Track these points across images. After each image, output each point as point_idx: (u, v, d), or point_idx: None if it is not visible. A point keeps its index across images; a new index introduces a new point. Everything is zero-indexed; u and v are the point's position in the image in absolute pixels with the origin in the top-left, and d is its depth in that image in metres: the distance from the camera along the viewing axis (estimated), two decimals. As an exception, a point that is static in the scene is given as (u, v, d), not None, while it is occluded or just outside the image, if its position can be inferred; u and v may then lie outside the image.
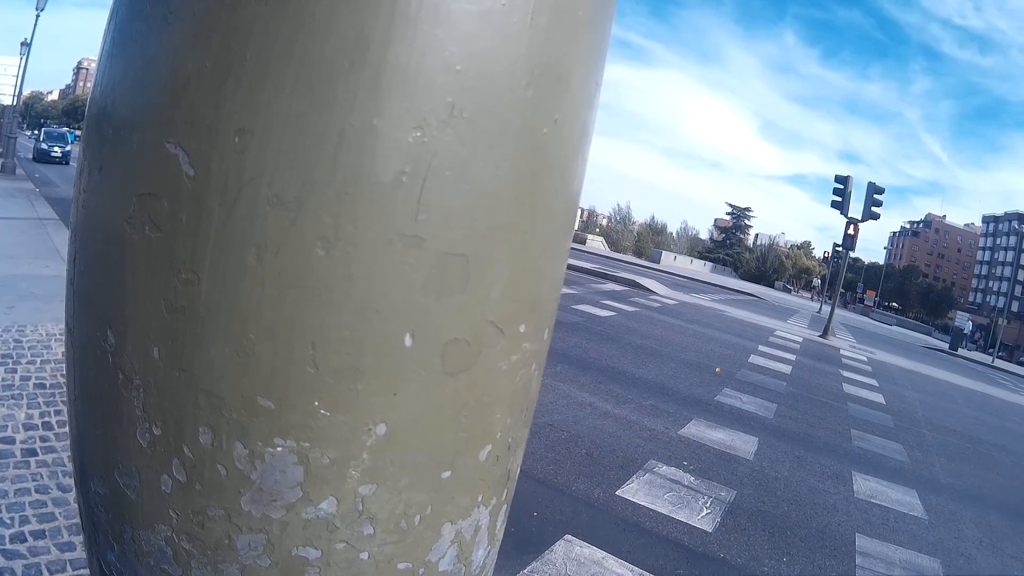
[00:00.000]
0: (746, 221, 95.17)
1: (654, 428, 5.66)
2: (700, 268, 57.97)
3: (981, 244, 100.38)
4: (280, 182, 0.52)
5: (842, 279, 22.98)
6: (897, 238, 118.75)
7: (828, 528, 4.38)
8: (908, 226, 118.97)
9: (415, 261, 0.55)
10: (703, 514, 4.07)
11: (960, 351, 34.03)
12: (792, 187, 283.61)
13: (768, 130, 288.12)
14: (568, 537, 3.36)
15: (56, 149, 29.52)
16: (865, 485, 5.52)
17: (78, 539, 2.30)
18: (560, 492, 3.94)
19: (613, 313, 12.24)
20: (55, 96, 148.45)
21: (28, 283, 5.57)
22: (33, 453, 2.83)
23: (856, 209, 19.42)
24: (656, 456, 4.94)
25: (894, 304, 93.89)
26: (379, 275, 0.54)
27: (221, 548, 0.58)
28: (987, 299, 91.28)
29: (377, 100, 0.52)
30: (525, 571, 2.98)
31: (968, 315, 41.79)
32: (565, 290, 13.20)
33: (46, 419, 3.17)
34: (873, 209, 18.88)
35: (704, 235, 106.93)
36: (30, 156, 29.13)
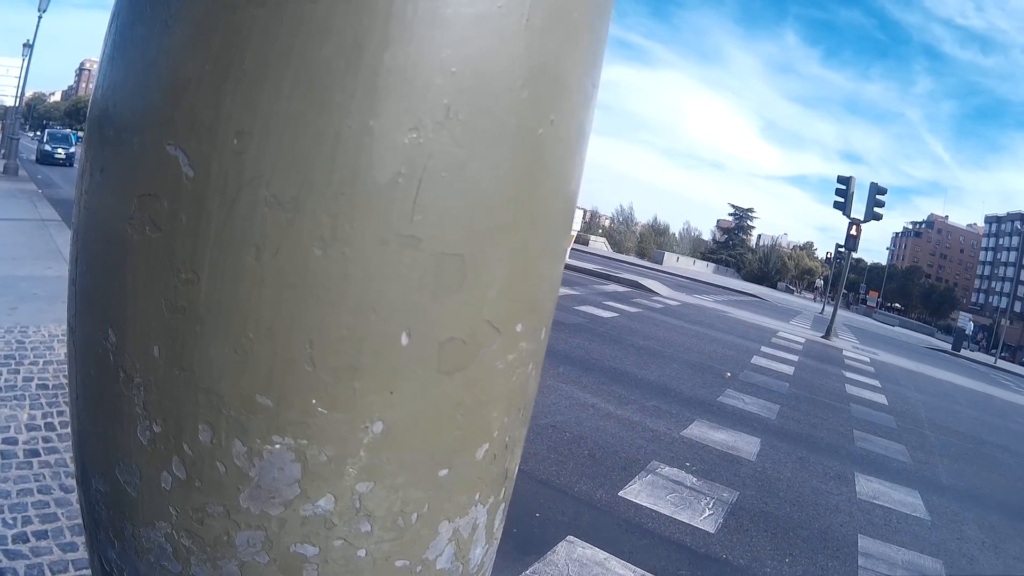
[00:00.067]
0: (749, 222, 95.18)
1: (656, 429, 5.66)
2: (703, 269, 57.90)
3: (984, 244, 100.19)
4: (278, 183, 0.53)
5: (844, 280, 22.95)
6: (899, 239, 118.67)
7: (830, 529, 4.38)
8: (910, 227, 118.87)
9: (411, 261, 0.56)
10: (705, 515, 4.08)
11: (963, 352, 33.96)
12: (794, 187, 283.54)
13: (769, 130, 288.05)
14: (570, 538, 3.37)
15: (60, 151, 28.99)
16: (867, 486, 5.51)
17: (80, 539, 2.31)
18: (562, 493, 3.94)
19: (615, 314, 12.24)
20: (57, 97, 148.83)
21: (31, 284, 5.59)
22: (36, 454, 2.84)
23: (858, 210, 19.42)
24: (658, 457, 4.95)
25: (897, 305, 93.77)
26: (376, 275, 0.55)
27: (220, 545, 0.58)
28: (990, 300, 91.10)
29: (374, 102, 0.53)
30: (527, 572, 2.99)
31: (970, 315, 41.68)
32: (568, 291, 13.20)
33: (49, 420, 3.18)
34: (875, 210, 18.86)
35: (707, 236, 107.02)
36: (33, 158, 28.92)
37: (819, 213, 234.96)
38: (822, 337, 18.51)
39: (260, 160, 0.53)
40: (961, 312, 50.28)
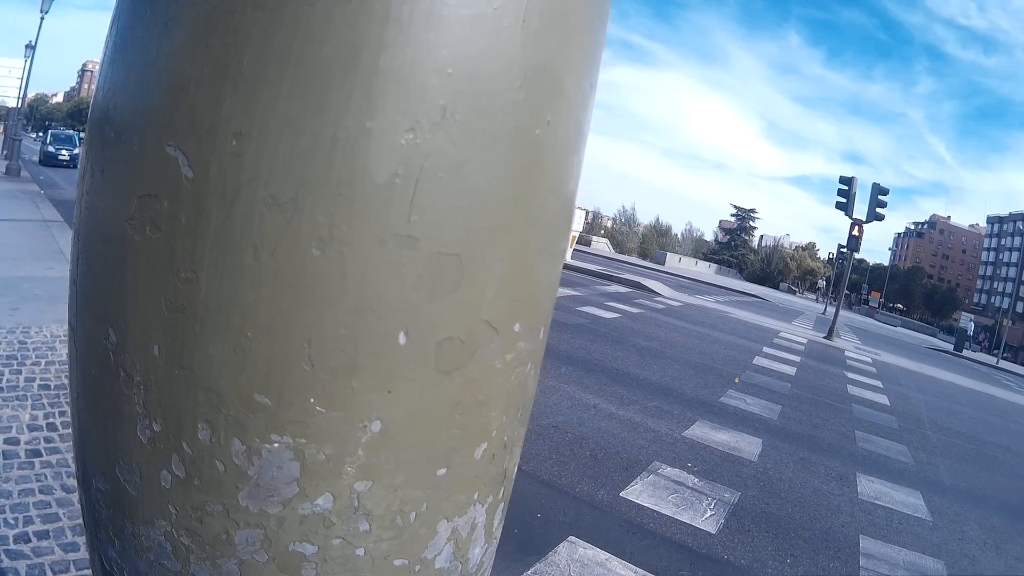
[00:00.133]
0: (751, 222, 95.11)
1: (658, 430, 5.66)
2: (705, 270, 57.87)
3: (986, 245, 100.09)
4: (276, 183, 0.53)
5: (847, 280, 22.93)
6: (901, 239, 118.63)
7: (832, 529, 4.38)
8: (912, 227, 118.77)
9: (409, 261, 0.56)
10: (707, 516, 4.08)
11: (965, 352, 33.90)
12: (796, 188, 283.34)
13: (771, 131, 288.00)
14: (572, 538, 3.37)
15: (64, 152, 28.11)
16: (869, 486, 5.51)
17: (81, 539, 2.31)
18: (564, 493, 3.94)
19: (617, 315, 12.24)
20: (60, 98, 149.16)
21: (32, 285, 5.60)
22: (37, 454, 2.85)
23: (860, 210, 19.38)
24: (660, 458, 4.94)
25: (899, 305, 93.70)
26: (373, 274, 0.55)
27: (219, 543, 0.59)
28: (992, 300, 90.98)
29: (371, 103, 0.53)
30: (528, 572, 2.99)
31: (972, 316, 41.58)
32: (570, 292, 13.20)
33: (50, 420, 3.18)
34: (877, 210, 18.84)
35: (709, 236, 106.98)
36: (36, 159, 28.57)
37: (821, 214, 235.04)
38: (824, 338, 18.48)
39: (259, 161, 0.53)
40: (963, 312, 50.21)
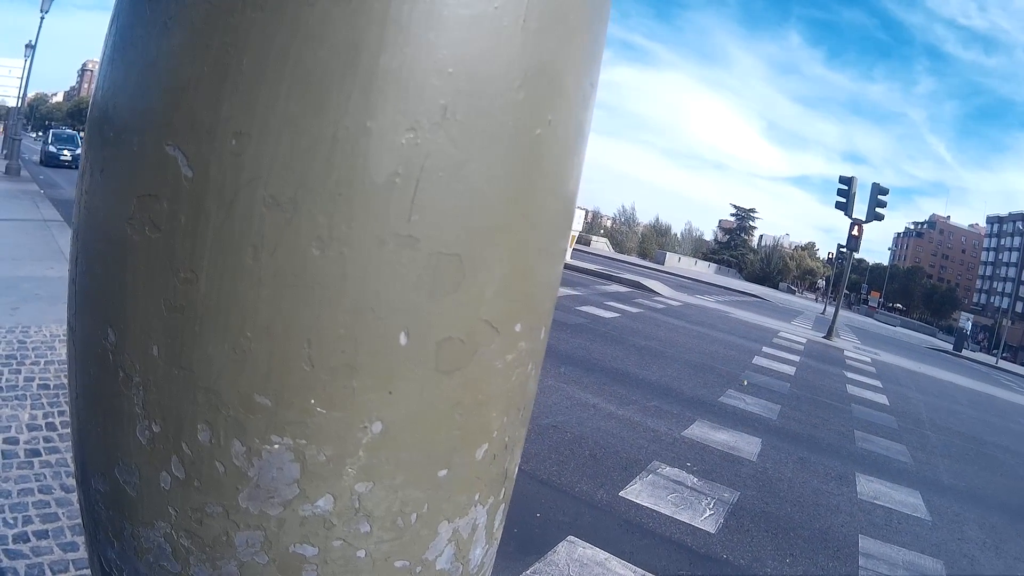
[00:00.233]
0: (750, 222, 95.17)
1: (658, 429, 5.66)
2: (704, 269, 57.85)
3: (985, 245, 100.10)
4: (276, 183, 0.53)
5: (846, 280, 22.94)
6: (901, 239, 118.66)
7: (831, 529, 4.37)
8: (912, 227, 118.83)
9: (409, 261, 0.56)
10: (706, 515, 4.07)
11: (964, 352, 33.90)
12: (795, 188, 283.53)
13: (771, 131, 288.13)
14: (571, 538, 3.36)
15: (66, 152, 27.25)
16: (868, 486, 5.50)
17: (81, 539, 2.31)
18: (563, 493, 3.94)
19: (617, 314, 12.23)
20: (60, 98, 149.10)
21: (32, 284, 5.59)
22: (36, 453, 2.84)
23: (860, 210, 19.37)
24: (660, 457, 4.94)
25: (898, 305, 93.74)
26: (373, 274, 0.55)
27: (219, 545, 0.59)
28: (991, 300, 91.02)
29: (370, 103, 0.53)
30: (528, 572, 2.99)
31: (970, 315, 41.62)
32: (569, 291, 13.20)
33: (50, 420, 3.18)
34: (877, 210, 18.83)
35: (708, 236, 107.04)
36: (37, 159, 28.23)
37: (821, 213, 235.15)
38: (823, 337, 18.48)
39: (258, 161, 0.53)
40: (962, 312, 50.21)
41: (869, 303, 70.32)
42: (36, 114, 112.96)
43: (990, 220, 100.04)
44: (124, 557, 0.64)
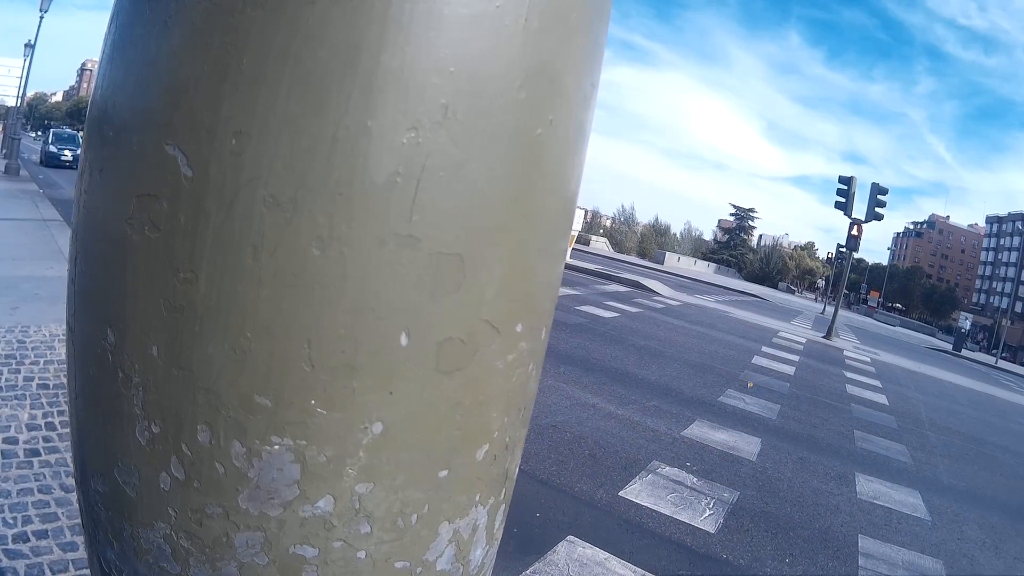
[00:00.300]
0: (750, 222, 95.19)
1: (657, 429, 5.66)
2: (704, 269, 57.84)
3: (985, 245, 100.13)
4: (276, 183, 0.53)
5: (846, 280, 22.93)
6: (901, 239, 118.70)
7: (831, 529, 4.37)
8: (912, 227, 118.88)
9: (409, 261, 0.56)
10: (706, 515, 4.07)
11: (964, 352, 33.91)
12: (795, 188, 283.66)
13: (771, 131, 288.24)
14: (571, 538, 3.36)
15: (67, 152, 26.67)
16: (868, 486, 5.50)
17: (80, 539, 2.31)
18: (563, 493, 3.94)
19: (616, 314, 12.23)
20: (59, 97, 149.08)
21: (32, 284, 5.59)
22: (36, 453, 2.84)
23: (860, 210, 19.37)
24: (659, 457, 4.94)
25: (898, 305, 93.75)
26: (374, 274, 0.55)
27: (219, 546, 0.58)
28: (991, 300, 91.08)
29: (371, 102, 0.53)
30: (527, 572, 2.99)
31: (970, 315, 41.61)
32: (569, 291, 13.20)
33: (49, 419, 3.18)
34: (877, 210, 18.83)
35: (708, 236, 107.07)
36: (36, 159, 28.00)
37: (821, 213, 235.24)
38: (823, 337, 18.48)
39: (258, 160, 0.53)
40: (961, 312, 50.22)
41: (868, 303, 70.37)
42: (35, 114, 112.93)
43: (989, 220, 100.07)
44: (124, 558, 0.64)
